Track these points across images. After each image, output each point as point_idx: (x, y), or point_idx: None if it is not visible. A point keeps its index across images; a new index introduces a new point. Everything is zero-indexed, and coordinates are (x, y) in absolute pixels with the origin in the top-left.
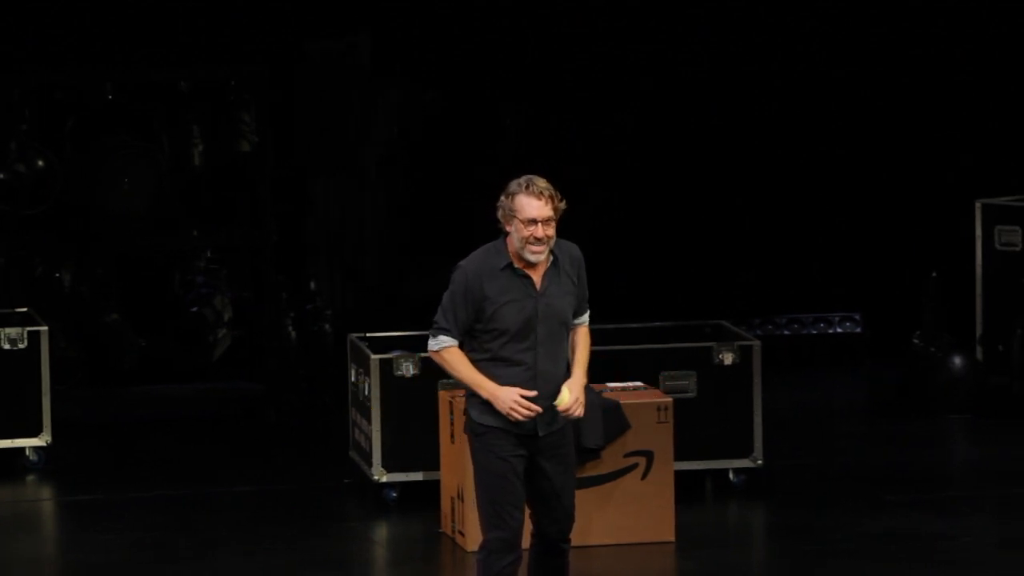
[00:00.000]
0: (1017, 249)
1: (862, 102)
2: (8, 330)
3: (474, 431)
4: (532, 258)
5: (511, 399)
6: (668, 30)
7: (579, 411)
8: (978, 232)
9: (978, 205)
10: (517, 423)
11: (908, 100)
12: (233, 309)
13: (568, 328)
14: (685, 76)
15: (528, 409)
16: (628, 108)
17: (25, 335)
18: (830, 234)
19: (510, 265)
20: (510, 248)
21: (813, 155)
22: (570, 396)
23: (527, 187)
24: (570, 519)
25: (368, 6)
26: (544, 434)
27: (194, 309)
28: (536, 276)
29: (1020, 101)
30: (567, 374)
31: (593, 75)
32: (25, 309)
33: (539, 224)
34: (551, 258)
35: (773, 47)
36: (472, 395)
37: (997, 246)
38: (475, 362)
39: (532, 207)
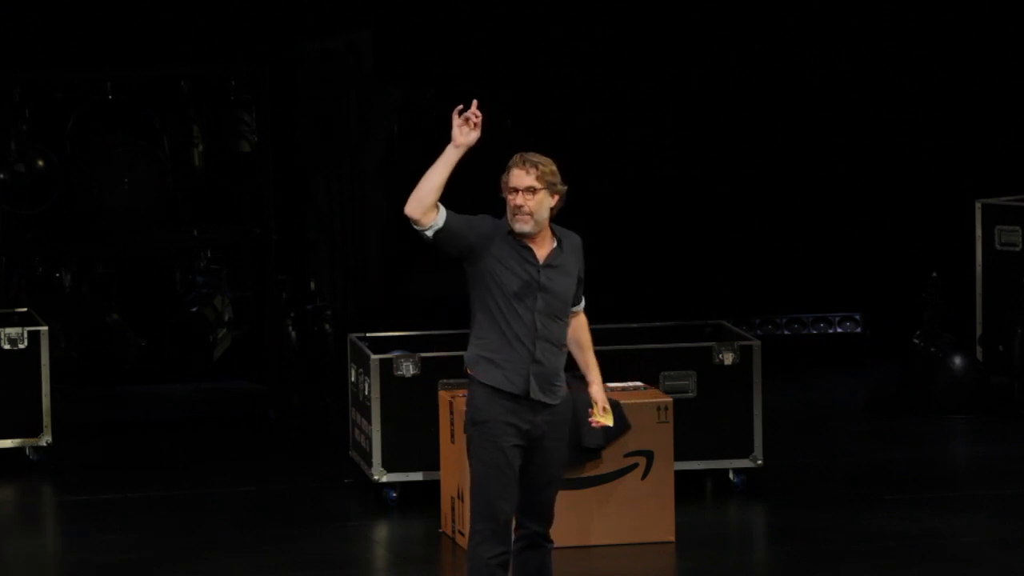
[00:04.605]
0: (1017, 249)
1: (863, 102)
2: (8, 330)
3: (473, 420)
4: (517, 228)
5: (455, 121)
6: (668, 31)
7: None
8: (978, 232)
9: (978, 205)
10: (512, 384)
11: (908, 100)
12: (233, 309)
13: (568, 310)
14: (687, 77)
15: (472, 113)
16: (630, 108)
17: (25, 335)
18: (830, 234)
19: (512, 232)
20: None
21: (813, 155)
22: (608, 412)
23: (519, 158)
24: (551, 514)
25: (368, 6)
26: (537, 400)
27: (194, 309)
28: (537, 249)
29: (1020, 101)
30: (565, 357)
31: (594, 75)
32: (25, 309)
33: (519, 192)
34: (555, 240)
35: (774, 48)
36: (472, 389)
37: (997, 246)
38: (482, 335)
39: (513, 176)
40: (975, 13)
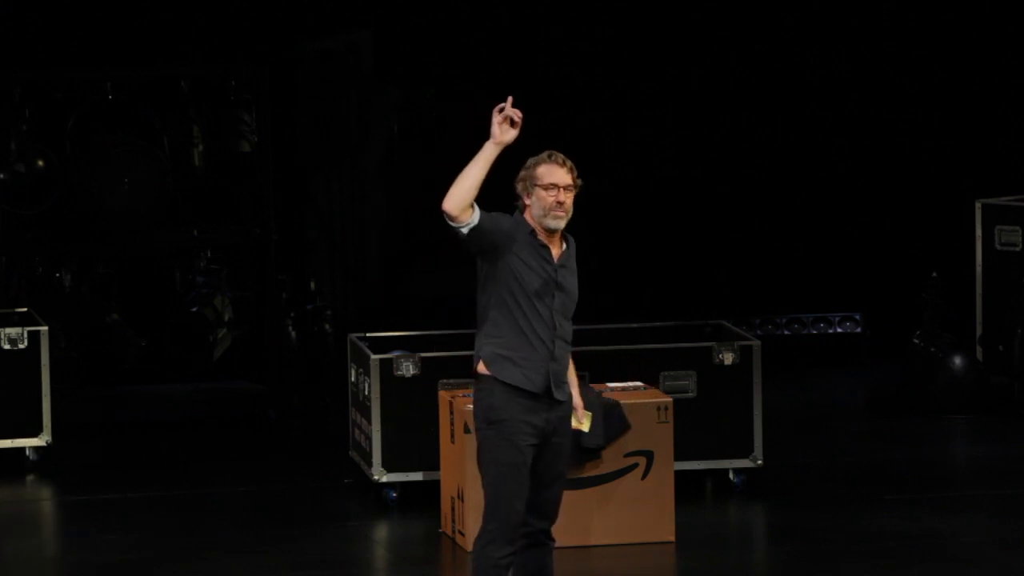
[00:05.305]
0: (1017, 249)
1: (863, 102)
2: (8, 330)
3: (488, 420)
4: (554, 224)
5: (495, 119)
6: (668, 31)
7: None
8: (978, 232)
9: (978, 205)
10: (532, 383)
11: (909, 100)
12: (233, 309)
13: (574, 309)
14: (687, 77)
15: (514, 112)
16: (630, 108)
17: (25, 335)
18: (830, 234)
19: (533, 232)
20: (529, 221)
21: (813, 155)
22: (587, 417)
23: (549, 156)
24: (556, 512)
25: (368, 6)
26: (555, 397)
27: (194, 309)
28: (552, 249)
29: (1020, 101)
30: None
31: (594, 75)
32: (25, 309)
33: (560, 189)
34: (564, 241)
35: (774, 48)
36: (483, 386)
37: (997, 246)
38: (497, 333)
39: (553, 173)
40: (975, 13)
